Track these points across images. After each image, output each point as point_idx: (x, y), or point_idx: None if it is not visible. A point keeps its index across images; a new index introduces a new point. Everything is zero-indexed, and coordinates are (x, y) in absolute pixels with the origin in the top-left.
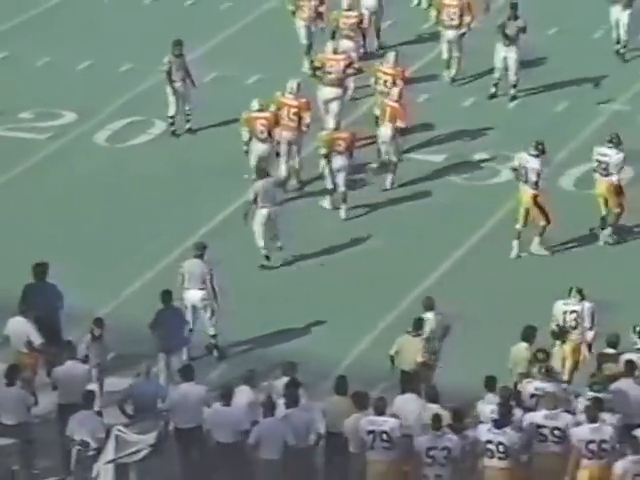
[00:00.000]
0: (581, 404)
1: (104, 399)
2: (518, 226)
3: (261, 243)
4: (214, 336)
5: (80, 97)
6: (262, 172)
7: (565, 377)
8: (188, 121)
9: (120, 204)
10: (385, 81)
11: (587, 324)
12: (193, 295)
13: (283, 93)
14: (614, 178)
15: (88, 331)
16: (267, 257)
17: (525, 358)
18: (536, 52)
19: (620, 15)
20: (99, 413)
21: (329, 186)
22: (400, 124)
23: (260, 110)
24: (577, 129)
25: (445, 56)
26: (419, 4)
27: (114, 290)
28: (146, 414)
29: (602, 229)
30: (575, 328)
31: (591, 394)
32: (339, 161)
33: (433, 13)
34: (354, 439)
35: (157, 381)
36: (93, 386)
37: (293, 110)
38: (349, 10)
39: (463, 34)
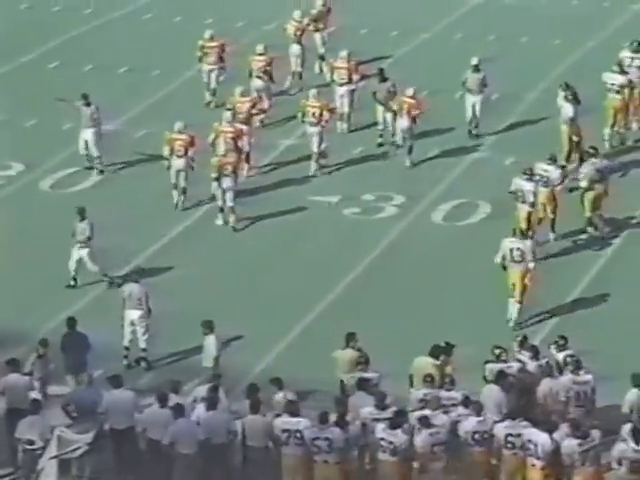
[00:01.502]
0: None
1: (48, 405)
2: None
3: (73, 267)
4: (144, 349)
5: (27, 151)
6: (83, 212)
7: (517, 300)
8: (92, 167)
9: (62, 239)
10: (313, 113)
11: (529, 257)
12: (132, 314)
13: (220, 122)
14: (558, 188)
15: (34, 350)
16: (75, 279)
17: (427, 371)
18: None
19: (475, 100)
20: (44, 417)
21: (220, 204)
22: (416, 113)
23: (179, 132)
24: (446, 171)
25: (339, 110)
26: (321, 72)
27: (56, 312)
28: (86, 417)
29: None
30: (520, 262)
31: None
32: (227, 182)
33: (328, 74)
34: (250, 435)
35: (96, 389)
36: (36, 395)
37: (229, 135)
38: (260, 55)
39: (352, 90)
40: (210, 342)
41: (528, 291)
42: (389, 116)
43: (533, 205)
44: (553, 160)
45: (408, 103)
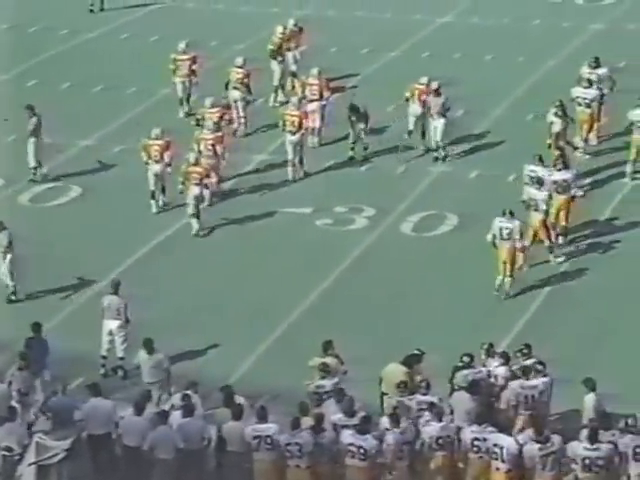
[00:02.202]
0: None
1: (27, 415)
2: (526, 243)
3: (10, 282)
4: (122, 358)
5: (6, 166)
6: (1, 224)
7: (508, 275)
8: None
9: (41, 252)
10: (292, 122)
11: (517, 236)
12: (110, 324)
13: (201, 131)
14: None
15: (14, 362)
16: (14, 293)
17: (399, 379)
18: (383, 123)
19: (437, 124)
20: (22, 424)
21: (193, 212)
22: (425, 98)
23: (155, 138)
24: (413, 186)
25: (311, 124)
26: (293, 88)
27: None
28: (64, 424)
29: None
30: (508, 240)
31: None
32: (195, 190)
33: (299, 90)
34: (231, 441)
35: (72, 397)
36: (14, 404)
37: (210, 142)
38: (240, 67)
39: (323, 106)
40: (154, 359)
41: (518, 268)
42: (362, 132)
43: (547, 212)
44: (541, 161)
45: (419, 89)
